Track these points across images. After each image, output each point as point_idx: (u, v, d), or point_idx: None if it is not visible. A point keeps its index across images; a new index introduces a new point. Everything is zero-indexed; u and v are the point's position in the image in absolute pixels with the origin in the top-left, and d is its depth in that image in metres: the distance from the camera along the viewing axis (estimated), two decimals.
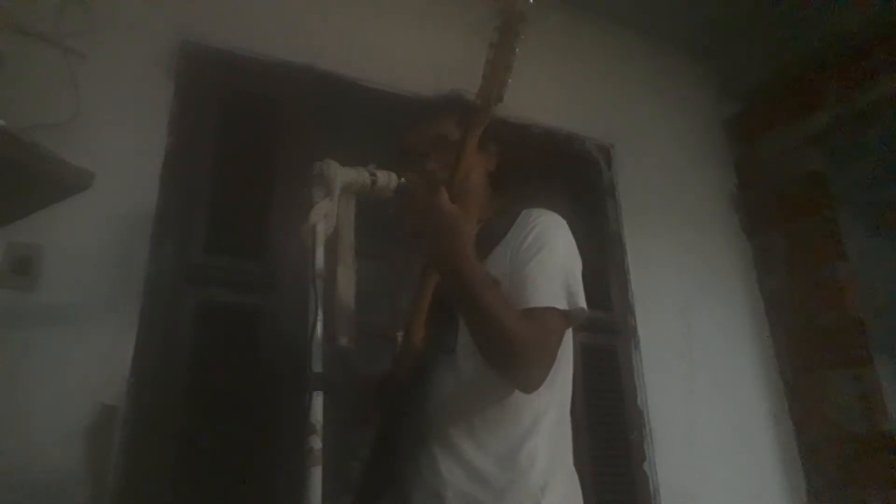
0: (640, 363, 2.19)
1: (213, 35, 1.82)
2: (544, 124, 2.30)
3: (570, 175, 2.35)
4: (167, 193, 1.64)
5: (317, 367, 1.01)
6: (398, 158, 1.23)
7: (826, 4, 2.46)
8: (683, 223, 2.54)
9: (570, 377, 1.11)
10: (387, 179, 1.17)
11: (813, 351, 2.44)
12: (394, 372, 1.09)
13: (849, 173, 2.95)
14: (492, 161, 1.23)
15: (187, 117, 1.73)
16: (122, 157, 1.59)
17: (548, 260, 1.01)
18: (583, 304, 1.01)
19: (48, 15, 1.60)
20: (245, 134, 1.82)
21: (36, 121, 1.42)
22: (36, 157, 0.95)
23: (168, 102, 1.72)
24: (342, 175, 1.13)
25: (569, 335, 1.09)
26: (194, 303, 1.61)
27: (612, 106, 2.55)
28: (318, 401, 0.98)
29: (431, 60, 2.17)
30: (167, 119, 1.70)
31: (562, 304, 0.99)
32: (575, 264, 1.06)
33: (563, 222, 1.10)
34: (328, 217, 1.11)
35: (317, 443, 0.95)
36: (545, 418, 1.03)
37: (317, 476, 0.93)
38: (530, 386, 0.98)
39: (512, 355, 0.93)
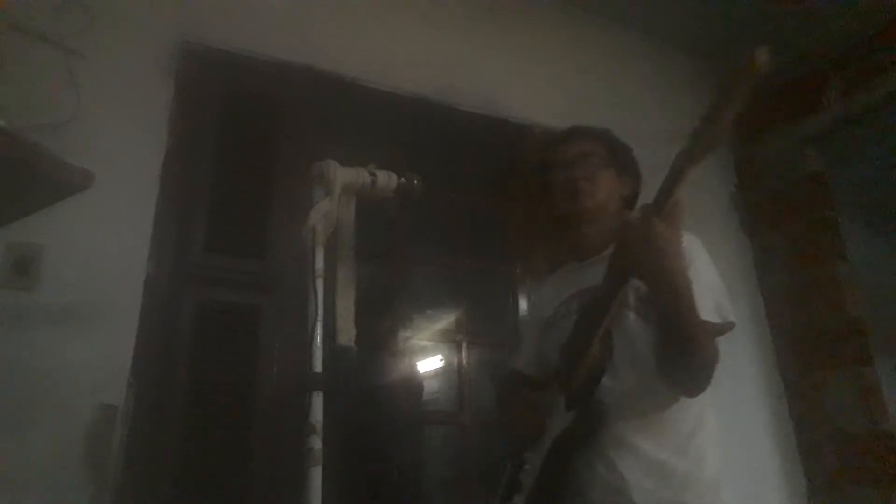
0: None
1: (213, 35, 1.82)
2: (544, 124, 2.30)
3: None
4: (167, 193, 1.64)
5: (317, 367, 1.01)
6: (534, 171, 1.35)
7: (826, 4, 2.46)
8: (683, 223, 2.53)
9: None
10: (387, 179, 1.18)
11: (813, 351, 2.43)
12: (565, 382, 1.11)
13: (849, 173, 2.95)
14: (628, 186, 1.34)
15: (187, 117, 1.72)
16: (122, 157, 1.59)
17: (695, 278, 1.06)
18: (733, 317, 1.12)
19: (48, 15, 1.60)
20: (245, 134, 1.82)
21: (36, 121, 1.42)
22: (36, 157, 0.95)
23: (168, 102, 1.71)
24: (342, 175, 1.13)
25: None
26: (194, 303, 1.61)
27: (613, 106, 2.55)
28: (318, 401, 0.98)
29: (431, 60, 2.17)
30: (167, 119, 1.70)
31: (714, 318, 1.08)
32: (719, 280, 1.17)
33: (700, 242, 1.23)
34: (328, 217, 1.12)
35: (317, 443, 0.95)
36: (705, 416, 1.14)
37: (317, 476, 0.93)
38: (697, 391, 1.09)
39: (698, 363, 1.03)
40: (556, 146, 1.34)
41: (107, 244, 1.54)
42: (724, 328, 1.10)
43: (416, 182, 1.22)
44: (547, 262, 1.79)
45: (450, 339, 2.05)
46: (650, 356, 1.07)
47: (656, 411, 1.10)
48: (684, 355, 1.01)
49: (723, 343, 2.67)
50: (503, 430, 1.27)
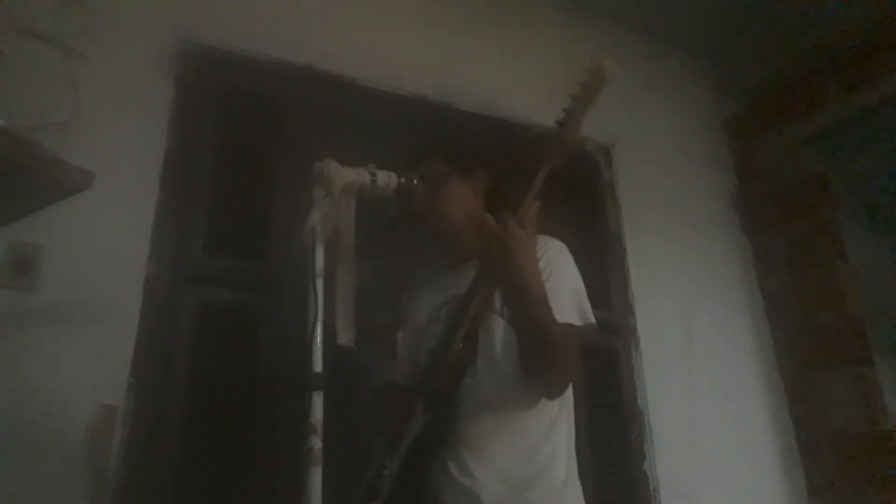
0: (640, 363, 2.19)
1: (213, 35, 1.82)
2: (544, 124, 2.30)
3: (570, 175, 2.35)
4: (167, 193, 1.64)
5: (317, 367, 1.01)
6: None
7: (826, 4, 2.46)
8: (683, 223, 2.53)
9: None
10: (387, 179, 1.17)
11: (813, 351, 2.43)
12: (429, 383, 1.13)
13: (849, 173, 2.95)
14: (482, 181, 1.35)
15: (187, 117, 1.72)
16: (122, 157, 1.59)
17: (559, 283, 1.13)
18: (593, 319, 1.16)
19: (48, 15, 1.60)
20: (245, 134, 1.82)
21: (36, 121, 1.42)
22: (36, 157, 0.95)
23: (168, 102, 1.71)
24: (342, 175, 1.13)
25: None
26: (194, 303, 1.61)
27: (612, 106, 2.55)
28: (318, 401, 0.98)
29: (431, 60, 2.17)
30: (167, 119, 1.70)
31: (576, 321, 1.13)
32: (582, 286, 1.20)
33: (566, 248, 1.24)
34: (328, 217, 1.11)
35: (317, 443, 0.95)
36: (559, 420, 1.15)
37: (317, 476, 0.93)
38: (556, 393, 1.13)
39: (554, 364, 1.06)
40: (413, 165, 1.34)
41: (107, 244, 1.54)
42: (587, 331, 1.15)
43: (415, 182, 1.22)
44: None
45: None
46: (511, 359, 1.11)
47: (514, 415, 1.13)
48: (542, 357, 1.05)
49: (723, 342, 2.66)
50: (379, 440, 1.25)
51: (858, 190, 3.30)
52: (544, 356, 1.05)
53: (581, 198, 2.32)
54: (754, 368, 2.48)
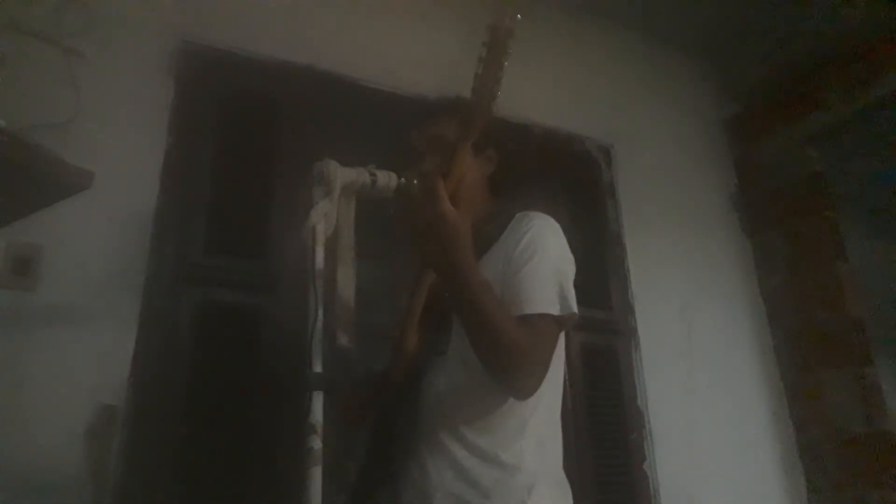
0: (640, 363, 2.19)
1: (213, 35, 1.82)
2: (544, 124, 2.30)
3: (570, 175, 2.35)
4: (167, 193, 1.64)
5: (317, 367, 1.01)
6: (401, 156, 1.23)
7: (826, 4, 2.46)
8: (683, 223, 2.54)
9: (561, 380, 1.11)
10: (387, 179, 1.17)
11: (813, 351, 2.43)
12: (387, 374, 1.10)
13: (849, 173, 2.96)
14: (490, 165, 1.23)
15: (187, 117, 1.72)
16: (122, 157, 1.59)
17: (541, 265, 1.01)
18: (574, 308, 1.01)
19: (48, 15, 1.60)
20: (245, 134, 1.82)
21: (36, 121, 1.42)
22: (36, 157, 0.95)
23: (168, 102, 1.71)
24: (342, 175, 1.13)
25: (561, 337, 1.08)
26: (194, 303, 1.61)
27: (612, 106, 2.55)
28: (318, 401, 0.98)
29: (431, 60, 2.17)
30: (167, 119, 1.70)
31: (555, 310, 0.99)
32: (568, 268, 1.06)
33: (557, 226, 1.10)
34: (328, 217, 1.11)
35: (317, 443, 0.95)
36: (532, 420, 1.03)
37: (317, 476, 0.93)
38: (524, 393, 0.98)
39: (509, 362, 0.93)
40: (410, 132, 1.23)
41: (107, 244, 1.54)
42: (567, 321, 1.01)
43: (415, 182, 1.22)
44: None
45: None
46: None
47: (482, 411, 1.03)
48: (496, 357, 0.93)
49: (723, 342, 2.66)
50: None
51: (858, 190, 3.30)
52: (498, 356, 0.92)
53: (581, 198, 2.32)
54: (754, 368, 2.48)
